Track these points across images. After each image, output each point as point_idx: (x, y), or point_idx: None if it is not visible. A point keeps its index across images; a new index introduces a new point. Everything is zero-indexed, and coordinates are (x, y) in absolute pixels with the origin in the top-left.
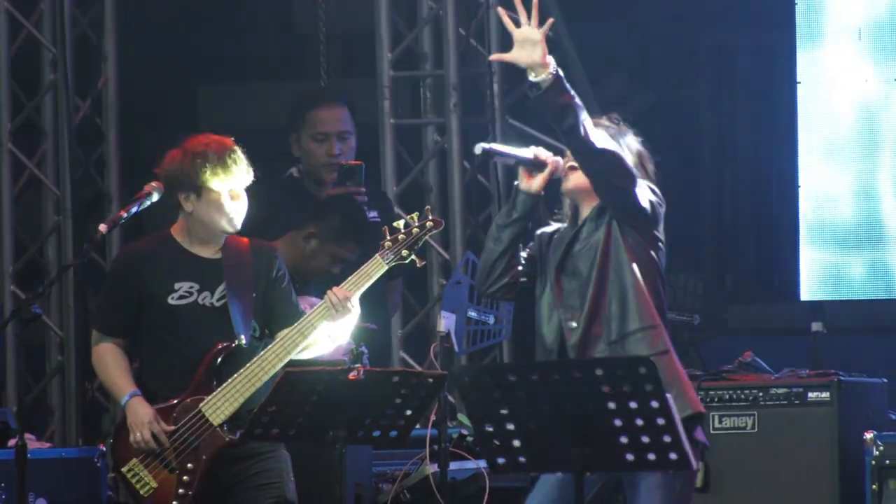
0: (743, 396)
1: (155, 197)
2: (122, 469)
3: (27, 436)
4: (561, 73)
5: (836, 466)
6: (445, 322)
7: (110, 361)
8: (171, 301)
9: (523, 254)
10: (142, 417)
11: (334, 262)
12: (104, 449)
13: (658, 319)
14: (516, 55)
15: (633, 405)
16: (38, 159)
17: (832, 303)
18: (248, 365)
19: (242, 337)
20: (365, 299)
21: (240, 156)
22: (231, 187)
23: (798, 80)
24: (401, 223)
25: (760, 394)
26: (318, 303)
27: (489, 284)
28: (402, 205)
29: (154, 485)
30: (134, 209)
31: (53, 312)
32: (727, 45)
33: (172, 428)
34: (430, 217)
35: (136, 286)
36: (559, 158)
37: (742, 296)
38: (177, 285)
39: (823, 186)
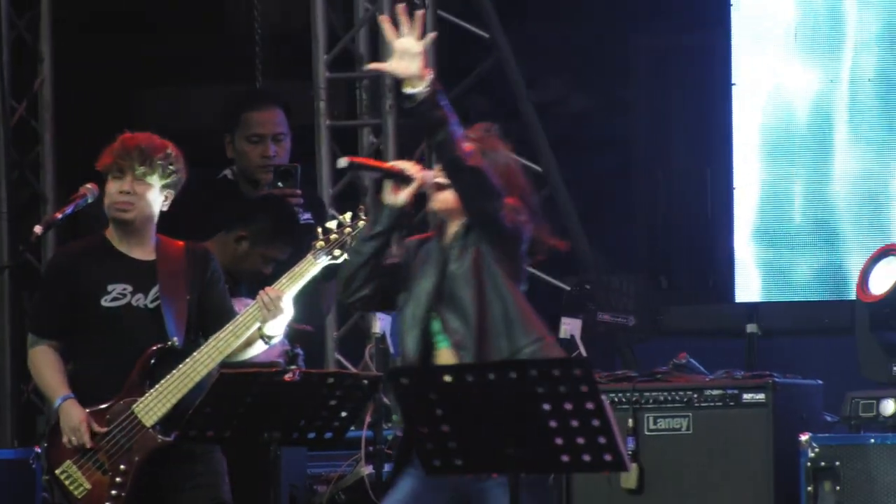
0: (678, 398)
1: (90, 199)
2: (56, 471)
3: None
4: (438, 86)
5: (772, 468)
6: (381, 324)
7: (44, 364)
8: (104, 303)
9: (392, 260)
10: (74, 420)
11: (265, 262)
12: (39, 451)
13: (545, 331)
14: (395, 66)
15: (568, 406)
16: None
17: (767, 304)
18: (180, 366)
19: (175, 338)
20: (299, 301)
21: (141, 147)
22: (119, 174)
23: (733, 81)
24: (333, 223)
25: (695, 395)
26: (250, 303)
27: (348, 295)
28: (338, 206)
29: (87, 486)
30: (69, 211)
31: None
32: (662, 46)
33: (105, 430)
34: (363, 216)
35: (69, 288)
36: (427, 172)
37: (676, 297)
38: (110, 287)
39: (758, 187)
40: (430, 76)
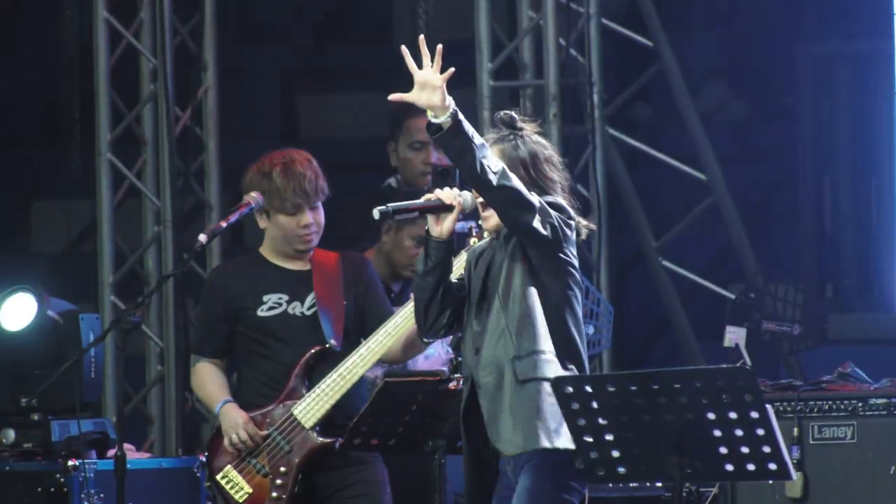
0: (842, 407)
1: (255, 207)
2: (217, 476)
3: (127, 446)
4: (460, 115)
5: None
6: None
7: (205, 378)
8: (260, 313)
9: (454, 279)
10: (234, 420)
11: (417, 243)
12: (204, 459)
13: (547, 345)
14: (416, 97)
15: (732, 415)
16: (138, 170)
17: None
18: (338, 368)
19: (333, 341)
20: None
21: (307, 177)
22: (295, 211)
23: None
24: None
25: (860, 404)
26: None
27: (429, 329)
28: None
29: (249, 489)
30: (234, 219)
31: (153, 322)
32: (826, 54)
33: (265, 433)
34: None
35: (224, 304)
36: (466, 193)
37: (842, 306)
38: (265, 297)
39: None
40: (452, 106)
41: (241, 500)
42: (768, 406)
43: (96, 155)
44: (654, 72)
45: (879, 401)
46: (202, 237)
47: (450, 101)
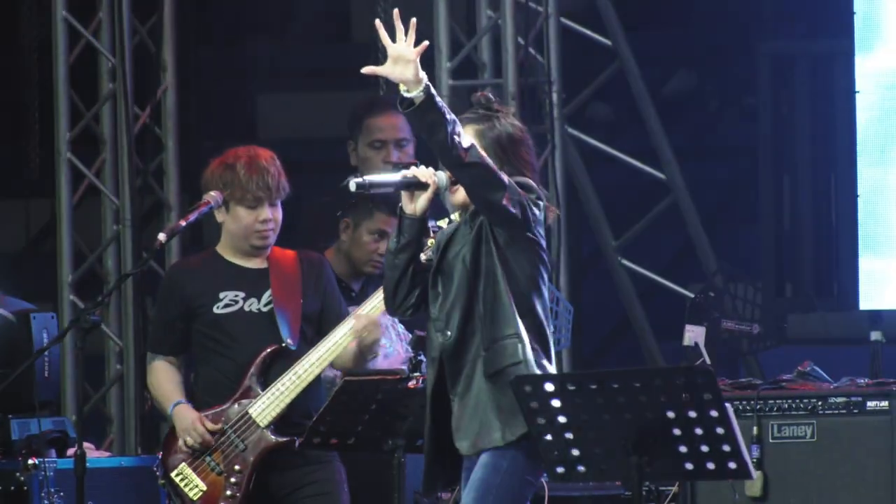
0: (801, 406)
1: (214, 206)
2: (172, 474)
3: (86, 445)
4: (432, 89)
5: (895, 476)
6: None
7: (161, 377)
8: (216, 310)
9: (423, 257)
10: (187, 420)
11: (375, 237)
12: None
13: (516, 329)
14: (389, 70)
15: (692, 414)
16: (97, 169)
17: (891, 312)
18: (294, 367)
19: (289, 340)
20: None
21: (270, 172)
22: (255, 204)
23: (857, 88)
24: (444, 221)
25: (819, 403)
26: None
27: (398, 307)
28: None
29: (203, 487)
30: (193, 218)
31: (112, 322)
32: (786, 53)
33: (219, 427)
34: None
35: (180, 301)
36: (439, 174)
37: (801, 305)
38: (222, 295)
39: (883, 195)
40: (424, 80)
41: (195, 498)
42: (728, 405)
43: (55, 154)
44: (612, 71)
45: (839, 400)
46: (161, 236)
47: (423, 75)
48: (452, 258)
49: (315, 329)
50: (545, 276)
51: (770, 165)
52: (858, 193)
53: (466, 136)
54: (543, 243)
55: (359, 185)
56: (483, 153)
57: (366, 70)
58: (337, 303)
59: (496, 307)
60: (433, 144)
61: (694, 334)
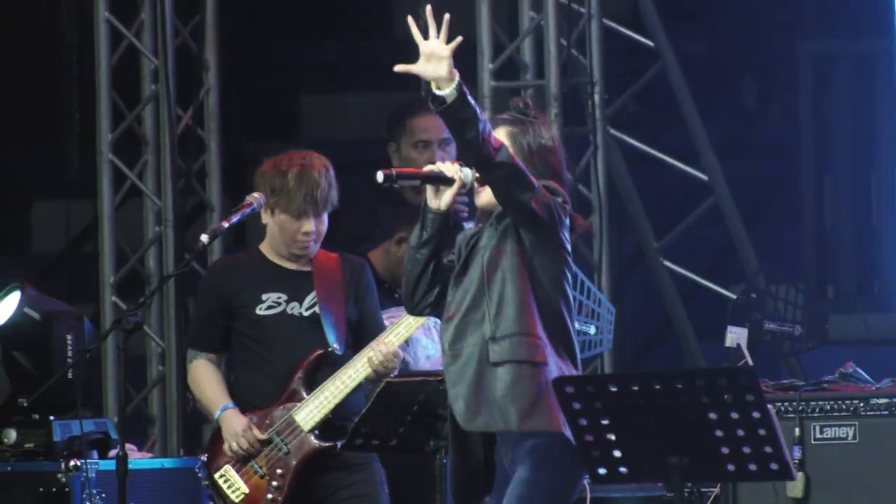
0: (844, 407)
1: (257, 207)
2: (215, 476)
3: (128, 446)
4: (465, 87)
5: None
6: None
7: (203, 377)
8: (258, 312)
9: (447, 260)
10: (235, 427)
11: None
12: (205, 459)
13: (534, 329)
14: (422, 68)
15: (734, 415)
16: (140, 169)
17: None
18: (338, 372)
19: (336, 345)
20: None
21: (321, 186)
22: (299, 215)
23: None
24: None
25: (861, 404)
26: (398, 315)
27: (416, 305)
28: None
29: (245, 490)
30: (235, 219)
31: (154, 323)
32: (827, 52)
33: (265, 437)
34: None
35: (222, 300)
36: (466, 170)
37: (843, 306)
38: (264, 296)
39: None
40: (457, 77)
41: (237, 500)
42: (770, 406)
43: (97, 155)
44: (655, 72)
45: (881, 401)
46: (204, 237)
47: (455, 72)
48: (477, 256)
49: (355, 335)
50: (570, 280)
51: (811, 165)
52: None
53: (496, 137)
54: (569, 247)
55: (386, 178)
56: (513, 154)
57: (399, 68)
58: (374, 311)
59: (508, 305)
60: (463, 143)
61: (736, 335)
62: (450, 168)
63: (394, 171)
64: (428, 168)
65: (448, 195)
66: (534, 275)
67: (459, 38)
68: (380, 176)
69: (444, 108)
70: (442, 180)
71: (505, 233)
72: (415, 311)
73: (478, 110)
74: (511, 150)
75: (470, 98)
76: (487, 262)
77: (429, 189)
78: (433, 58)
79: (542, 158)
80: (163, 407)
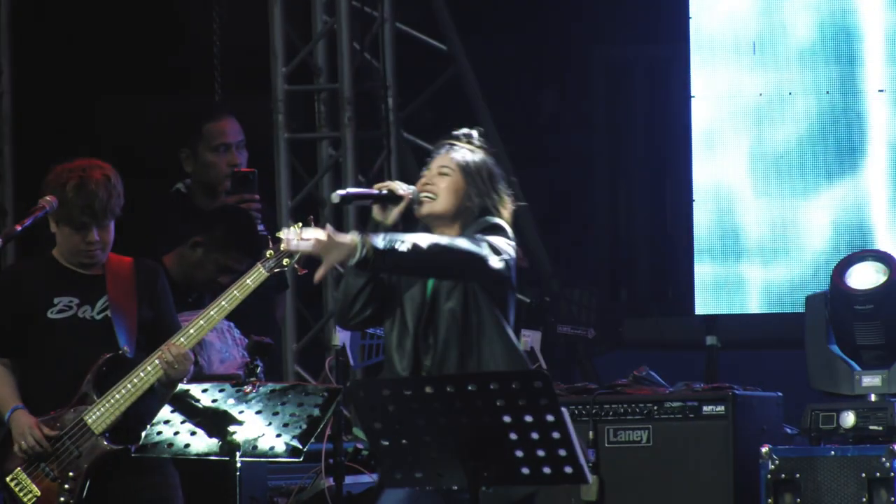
0: (637, 410)
1: (50, 210)
2: (7, 479)
3: None
4: (370, 237)
5: (732, 480)
6: (341, 336)
7: None
8: (49, 315)
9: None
10: (23, 426)
11: (220, 271)
12: None
13: (489, 364)
14: (329, 260)
15: (528, 418)
16: None
17: (726, 316)
18: (130, 375)
19: (126, 347)
20: (256, 312)
21: (99, 197)
22: (80, 228)
23: (692, 94)
24: (283, 233)
25: (655, 407)
26: (192, 318)
27: (350, 318)
28: (297, 219)
29: (37, 493)
30: (28, 223)
31: None
32: (622, 58)
33: (55, 433)
34: (313, 226)
35: (14, 303)
36: (411, 187)
37: (637, 309)
38: (56, 300)
39: (719, 201)
40: (358, 238)
41: (28, 503)
42: (564, 409)
43: None
44: (448, 76)
45: (675, 404)
46: None
47: (352, 235)
48: (440, 311)
49: (148, 338)
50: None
51: (605, 171)
52: (694, 198)
53: (423, 237)
54: (514, 283)
55: (343, 199)
56: (457, 241)
57: (318, 277)
58: (170, 313)
59: (488, 354)
60: (414, 273)
61: (530, 339)
62: (399, 186)
63: (349, 192)
64: (379, 186)
65: (395, 212)
66: (499, 320)
67: (330, 227)
68: (335, 197)
69: (374, 266)
70: (392, 199)
71: (466, 288)
72: (347, 324)
73: (396, 243)
74: (462, 175)
75: (381, 239)
76: (461, 325)
77: (375, 206)
78: (328, 247)
79: (492, 183)
80: None
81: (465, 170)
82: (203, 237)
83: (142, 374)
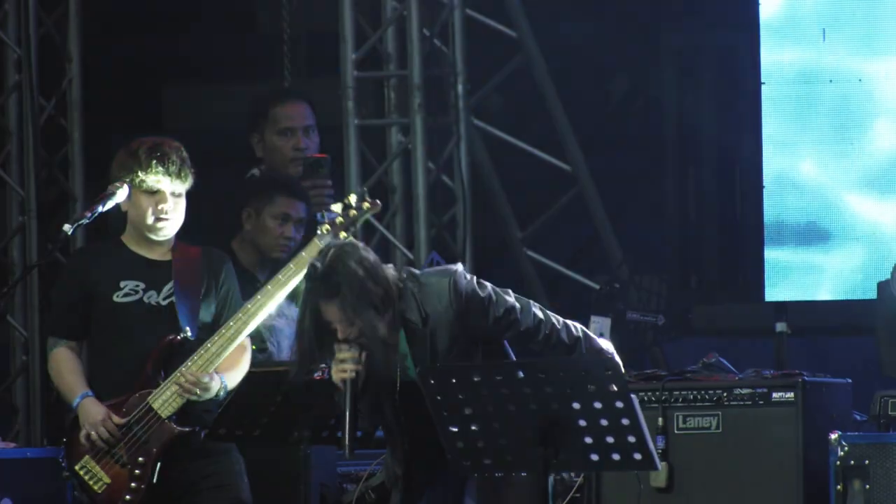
0: (707, 397)
1: (119, 196)
2: (75, 467)
3: None
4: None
5: (801, 467)
6: None
7: (62, 366)
8: (116, 299)
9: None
10: (94, 416)
11: (279, 222)
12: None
13: None
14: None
15: (597, 405)
16: (3, 159)
17: (796, 303)
18: (193, 356)
19: (188, 329)
20: None
21: (172, 159)
22: (157, 191)
23: (763, 80)
24: (338, 206)
25: (724, 394)
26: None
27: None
28: None
29: (107, 480)
30: (98, 209)
31: (18, 312)
32: (692, 45)
33: (123, 421)
34: (367, 199)
35: (82, 286)
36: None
37: (706, 296)
38: (122, 283)
39: (789, 187)
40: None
41: (99, 491)
42: (633, 396)
43: None
44: (518, 62)
45: (744, 391)
46: (66, 227)
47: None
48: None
49: (212, 327)
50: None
51: (676, 157)
52: (764, 185)
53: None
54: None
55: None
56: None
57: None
58: (234, 303)
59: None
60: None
61: (599, 325)
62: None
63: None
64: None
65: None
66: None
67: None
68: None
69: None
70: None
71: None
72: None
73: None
74: (358, 314)
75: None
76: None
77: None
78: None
79: (375, 281)
80: (26, 396)
81: (362, 300)
82: (247, 201)
83: (205, 354)
